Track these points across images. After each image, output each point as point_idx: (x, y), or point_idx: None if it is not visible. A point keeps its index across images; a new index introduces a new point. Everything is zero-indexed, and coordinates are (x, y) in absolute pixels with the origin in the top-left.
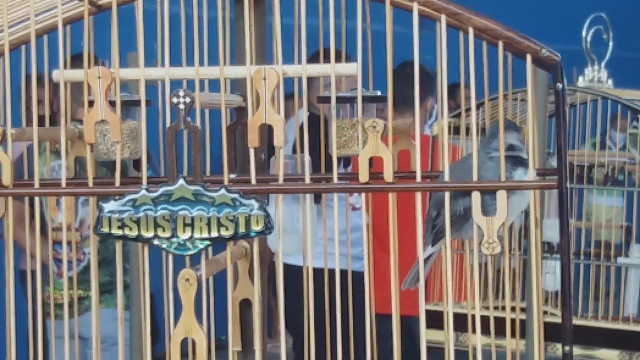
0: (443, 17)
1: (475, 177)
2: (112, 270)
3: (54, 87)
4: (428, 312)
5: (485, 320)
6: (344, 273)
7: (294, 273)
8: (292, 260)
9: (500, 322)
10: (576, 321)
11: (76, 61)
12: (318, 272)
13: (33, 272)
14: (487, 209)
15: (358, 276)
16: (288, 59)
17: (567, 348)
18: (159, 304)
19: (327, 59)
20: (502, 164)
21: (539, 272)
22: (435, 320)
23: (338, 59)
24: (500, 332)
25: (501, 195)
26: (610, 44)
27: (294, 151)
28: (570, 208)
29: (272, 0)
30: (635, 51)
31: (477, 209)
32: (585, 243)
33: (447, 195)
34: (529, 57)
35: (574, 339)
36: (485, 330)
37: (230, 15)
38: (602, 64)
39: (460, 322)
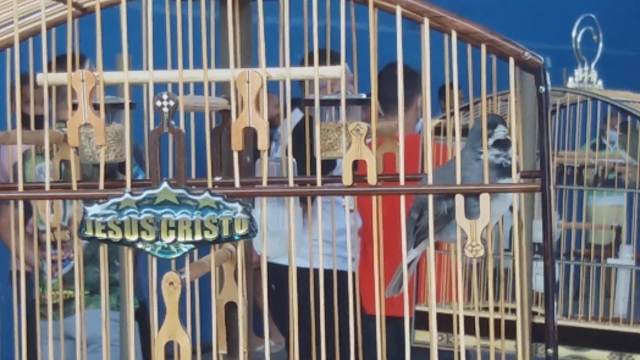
0: (426, 20)
1: (458, 180)
2: None
3: (41, 88)
4: (418, 313)
5: (473, 321)
6: (332, 273)
7: (286, 274)
8: (284, 261)
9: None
10: (566, 322)
11: (62, 62)
12: (308, 273)
13: (21, 273)
14: (471, 211)
15: (346, 276)
16: (274, 60)
17: (550, 350)
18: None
19: (323, 61)
20: (485, 167)
21: (524, 274)
22: (425, 321)
23: (330, 61)
24: (488, 333)
25: (484, 198)
26: (600, 44)
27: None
28: (561, 209)
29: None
30: (625, 51)
31: (461, 212)
32: (585, 245)
33: (430, 198)
34: (511, 60)
35: (564, 340)
36: (474, 331)
37: (216, 16)
38: (592, 65)
39: (451, 323)
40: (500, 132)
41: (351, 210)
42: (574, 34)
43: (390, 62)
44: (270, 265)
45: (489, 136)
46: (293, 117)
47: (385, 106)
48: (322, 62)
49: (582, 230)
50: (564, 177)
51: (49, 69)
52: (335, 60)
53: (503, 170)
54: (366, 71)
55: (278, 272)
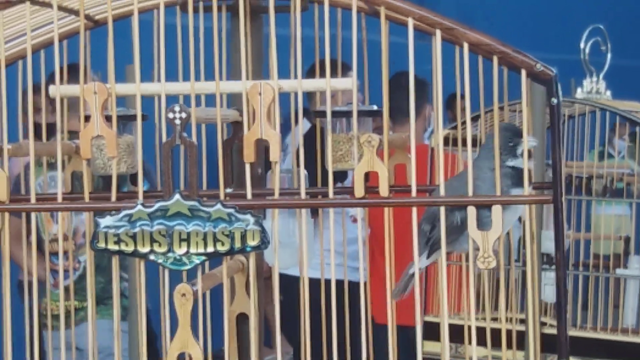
0: (438, 32)
1: (470, 192)
2: (107, 277)
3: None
4: (427, 323)
5: (481, 331)
6: (342, 284)
7: (296, 284)
8: (294, 271)
9: (500, 333)
10: (575, 332)
11: (72, 72)
12: (318, 283)
13: (30, 284)
14: (483, 222)
15: (358, 286)
16: (284, 71)
17: None
18: (155, 316)
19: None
20: (497, 179)
21: (536, 285)
22: (434, 331)
23: (338, 71)
24: (500, 343)
25: (496, 210)
26: (609, 55)
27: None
28: (569, 219)
29: (268, 14)
30: (633, 61)
31: (473, 224)
32: (592, 255)
33: (442, 209)
34: (523, 72)
35: (572, 350)
36: (484, 342)
37: (227, 27)
38: (601, 75)
39: (459, 334)
40: (529, 143)
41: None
42: (582, 44)
43: (397, 72)
44: (281, 276)
45: (517, 145)
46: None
47: (392, 116)
48: (331, 72)
49: (590, 240)
50: (572, 188)
51: (56, 80)
52: (343, 70)
53: (516, 180)
54: (377, 82)
55: (287, 282)
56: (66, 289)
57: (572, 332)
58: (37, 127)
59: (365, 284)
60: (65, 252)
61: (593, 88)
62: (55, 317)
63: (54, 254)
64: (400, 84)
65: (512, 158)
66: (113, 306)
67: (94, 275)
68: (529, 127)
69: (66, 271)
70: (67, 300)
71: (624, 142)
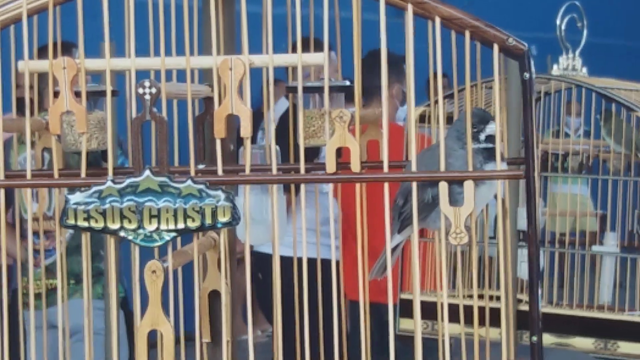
0: (409, 6)
1: (442, 167)
2: None
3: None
4: (402, 301)
5: (456, 308)
6: (316, 261)
7: (272, 262)
8: (270, 249)
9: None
10: (551, 309)
11: (46, 52)
12: (292, 261)
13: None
14: (456, 198)
15: (330, 264)
16: (258, 49)
17: (534, 338)
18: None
19: (307, 49)
20: (469, 155)
21: (509, 262)
22: (410, 309)
23: (314, 49)
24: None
25: (469, 185)
26: (585, 32)
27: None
28: (545, 196)
29: None
30: (609, 39)
31: (445, 199)
32: (559, 233)
33: (414, 185)
34: (495, 46)
35: (548, 327)
36: (457, 319)
37: (198, 3)
38: (577, 52)
39: (436, 311)
40: (491, 128)
41: (326, 192)
42: (558, 21)
43: (370, 50)
44: (257, 254)
45: (480, 131)
46: (280, 106)
47: (365, 94)
48: (306, 50)
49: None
50: (549, 165)
51: (25, 56)
52: (319, 48)
53: (489, 155)
54: (350, 59)
55: (264, 261)
56: (48, 268)
57: (548, 309)
58: (20, 102)
59: (337, 262)
60: (48, 232)
61: (569, 65)
62: (38, 297)
63: (36, 233)
64: (372, 62)
65: (475, 142)
66: (94, 285)
67: (64, 251)
68: (503, 103)
69: (48, 250)
70: (49, 279)
71: (579, 119)
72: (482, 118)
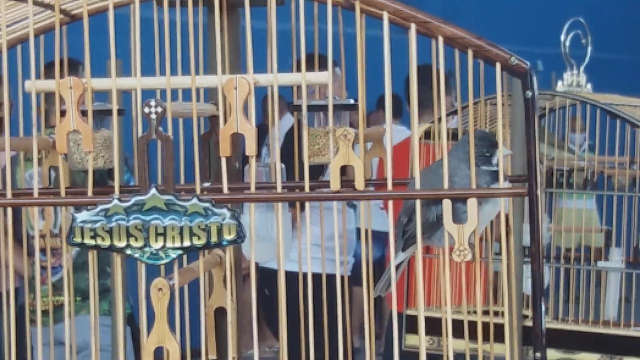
0: (413, 26)
1: (446, 185)
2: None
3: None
4: (409, 317)
5: (463, 324)
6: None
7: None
8: (276, 265)
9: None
10: (556, 325)
11: (53, 69)
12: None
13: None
14: (460, 217)
15: (342, 280)
16: (263, 66)
17: (538, 354)
18: (138, 312)
19: (312, 65)
20: (472, 173)
21: (512, 278)
22: (416, 325)
23: (320, 66)
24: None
25: (472, 202)
26: (589, 48)
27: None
28: (550, 212)
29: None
30: (613, 54)
31: (448, 217)
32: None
33: (417, 203)
34: (498, 65)
35: (554, 343)
36: (470, 335)
37: (204, 22)
38: (581, 68)
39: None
40: (505, 152)
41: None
42: (562, 37)
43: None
44: (264, 270)
45: (493, 155)
46: (285, 123)
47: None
48: (311, 66)
49: (570, 234)
50: (554, 181)
51: (31, 75)
52: (324, 64)
53: (497, 177)
54: (355, 76)
55: (271, 277)
56: (55, 285)
57: (554, 325)
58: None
59: (346, 277)
60: (54, 249)
61: (574, 81)
62: (44, 313)
63: (43, 250)
64: (425, 76)
65: (487, 165)
66: (100, 302)
67: (71, 269)
68: (507, 119)
69: (55, 267)
70: (55, 296)
71: (584, 135)
72: (493, 142)
